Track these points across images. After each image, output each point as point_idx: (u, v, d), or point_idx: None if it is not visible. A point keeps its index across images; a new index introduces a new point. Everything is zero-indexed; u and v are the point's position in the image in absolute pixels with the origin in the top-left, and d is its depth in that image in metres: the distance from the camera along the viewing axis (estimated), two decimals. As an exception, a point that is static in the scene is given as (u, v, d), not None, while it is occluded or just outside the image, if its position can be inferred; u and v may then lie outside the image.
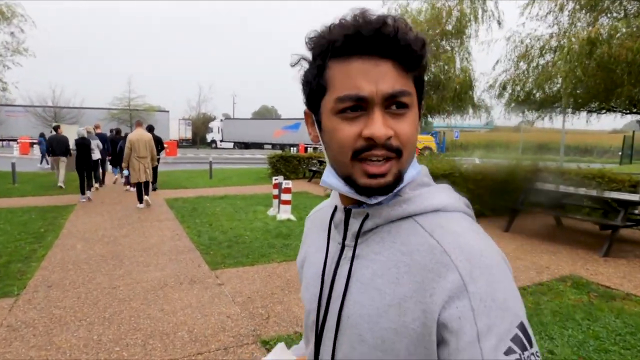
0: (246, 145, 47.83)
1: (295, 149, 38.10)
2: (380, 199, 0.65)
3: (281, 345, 0.90)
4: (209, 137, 49.26)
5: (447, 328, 0.55)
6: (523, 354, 0.54)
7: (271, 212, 8.33)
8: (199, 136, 45.96)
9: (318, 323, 0.72)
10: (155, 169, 10.42)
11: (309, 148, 37.84)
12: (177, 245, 5.96)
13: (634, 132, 28.26)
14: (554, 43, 11.35)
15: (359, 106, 0.60)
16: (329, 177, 0.68)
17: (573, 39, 9.62)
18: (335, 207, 0.75)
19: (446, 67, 14.92)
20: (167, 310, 3.82)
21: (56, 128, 12.01)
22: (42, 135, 20.63)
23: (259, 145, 47.45)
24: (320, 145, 0.70)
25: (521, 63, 13.03)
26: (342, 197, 0.72)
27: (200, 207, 8.86)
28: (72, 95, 61.75)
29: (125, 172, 9.50)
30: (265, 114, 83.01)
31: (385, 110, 0.60)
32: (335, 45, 0.61)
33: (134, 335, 3.36)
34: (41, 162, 19.64)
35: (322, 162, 14.18)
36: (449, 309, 0.55)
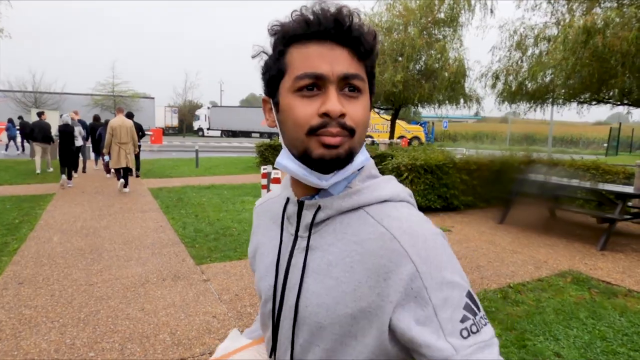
0: (234, 134, 47.21)
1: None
2: (331, 178, 0.67)
3: (235, 331, 0.95)
4: (195, 125, 48.47)
5: (405, 308, 0.61)
6: (475, 318, 0.61)
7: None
8: (185, 124, 45.17)
9: (274, 312, 0.75)
10: (137, 156, 10.46)
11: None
12: (161, 238, 5.67)
13: (620, 124, 28.52)
14: (548, 32, 11.19)
15: (315, 85, 0.64)
16: (284, 159, 0.70)
17: (568, 28, 9.44)
18: (288, 199, 0.76)
19: (439, 56, 14.70)
20: (148, 310, 3.55)
21: (40, 114, 11.92)
22: (10, 120, 19.89)
23: (246, 134, 46.87)
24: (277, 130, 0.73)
25: (514, 52, 12.88)
26: (296, 188, 0.75)
27: (185, 197, 8.54)
28: (53, 80, 60.17)
29: (107, 157, 9.51)
30: (253, 102, 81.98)
31: (339, 92, 0.64)
32: (295, 32, 0.65)
33: (110, 338, 3.10)
34: (6, 149, 19.01)
35: (311, 152, 13.91)
36: (406, 290, 0.61)
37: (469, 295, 0.63)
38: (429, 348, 0.59)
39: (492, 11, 14.41)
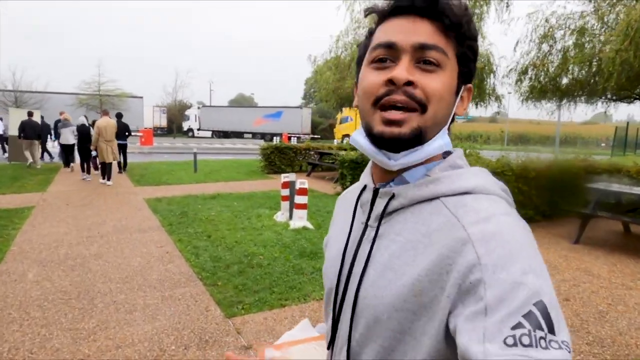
0: (225, 134, 45.78)
1: (278, 138, 36.45)
2: (401, 159, 0.63)
3: (306, 321, 0.91)
4: (185, 126, 46.91)
5: (462, 304, 0.53)
6: (535, 332, 0.47)
7: (279, 217, 6.81)
8: (175, 124, 43.52)
9: (336, 302, 0.71)
10: (124, 152, 12.39)
11: (292, 138, 36.25)
12: (170, 272, 4.39)
13: (628, 123, 27.83)
14: (590, 21, 10.14)
15: (389, 57, 0.62)
16: (357, 134, 0.67)
17: (622, 15, 8.37)
18: (365, 187, 0.73)
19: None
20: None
21: (30, 114, 13.28)
22: None
23: (238, 134, 45.48)
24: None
25: (544, 44, 11.82)
26: (375, 174, 0.72)
27: (190, 211, 7.24)
28: (35, 78, 57.78)
29: (94, 152, 10.40)
30: (242, 102, 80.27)
31: (415, 63, 0.61)
32: (382, 10, 0.65)
33: None
34: None
35: (322, 154, 12.68)
36: (464, 283, 0.53)
37: (541, 306, 0.48)
38: (464, 352, 0.49)
39: (507, 5, 13.34)
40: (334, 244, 0.78)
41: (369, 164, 0.76)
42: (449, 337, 0.54)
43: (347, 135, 38.60)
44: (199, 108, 47.71)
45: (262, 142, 37.87)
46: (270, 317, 3.44)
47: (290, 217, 6.65)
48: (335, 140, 38.00)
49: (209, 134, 46.01)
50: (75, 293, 3.79)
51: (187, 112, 46.60)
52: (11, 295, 3.72)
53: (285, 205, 6.85)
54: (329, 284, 0.76)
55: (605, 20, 10.22)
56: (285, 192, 6.83)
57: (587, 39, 10.60)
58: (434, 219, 0.60)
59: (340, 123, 39.76)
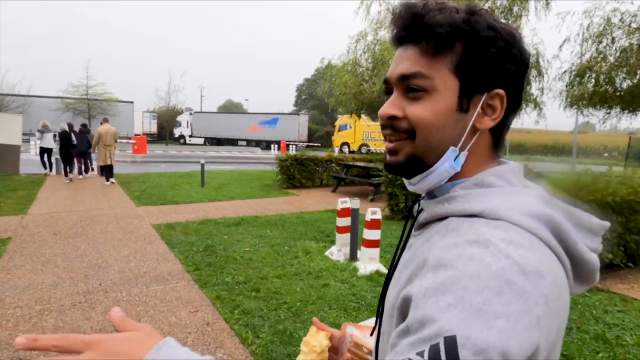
0: (218, 141, 44.00)
1: (276, 146, 34.80)
2: (418, 183, 0.65)
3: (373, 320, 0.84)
4: (176, 132, 44.98)
5: (401, 318, 0.53)
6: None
7: (335, 254, 5.24)
8: (166, 130, 41.57)
9: (381, 298, 0.72)
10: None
11: (291, 145, 34.67)
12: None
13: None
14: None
15: (389, 89, 0.65)
16: None
17: None
18: (420, 195, 0.73)
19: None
20: None
21: None
22: None
23: (232, 142, 43.73)
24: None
25: (602, 44, 10.50)
26: None
27: (216, 244, 5.62)
28: (18, 80, 55.19)
29: (94, 155, 11.56)
30: (231, 108, 78.21)
31: (405, 93, 0.62)
32: (392, 38, 0.66)
33: None
34: None
35: (349, 167, 11.13)
36: (405, 301, 0.52)
37: (450, 341, 0.42)
38: None
39: (547, 3, 12.05)
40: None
41: None
42: None
43: (346, 144, 37.16)
44: (191, 114, 45.83)
45: (258, 150, 36.44)
46: None
47: (352, 255, 5.08)
48: (335, 149, 36.54)
49: (201, 140, 44.20)
50: None
51: (178, 118, 44.71)
52: None
53: (342, 238, 5.28)
54: None
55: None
56: (344, 221, 5.26)
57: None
58: (434, 237, 0.60)
59: (339, 131, 38.28)
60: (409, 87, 0.61)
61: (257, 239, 5.94)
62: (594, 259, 0.58)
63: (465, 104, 0.61)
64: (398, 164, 0.63)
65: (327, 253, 5.35)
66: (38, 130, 12.61)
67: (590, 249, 0.58)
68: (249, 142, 43.27)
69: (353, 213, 5.10)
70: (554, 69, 11.71)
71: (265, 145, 40.38)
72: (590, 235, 0.59)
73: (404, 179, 0.68)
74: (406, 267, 0.61)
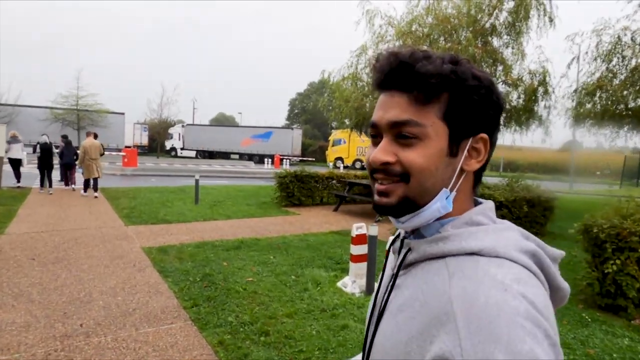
0: (210, 155, 43.37)
1: (270, 160, 34.26)
2: (406, 222, 0.66)
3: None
4: (168, 145, 44.29)
5: None
6: None
7: (350, 286, 4.68)
8: (157, 143, 40.82)
9: (365, 345, 0.72)
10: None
11: (285, 160, 34.14)
12: None
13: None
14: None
15: (377, 134, 0.66)
16: None
17: None
18: (399, 234, 0.75)
19: (499, 69, 11.95)
20: None
21: None
22: None
23: (224, 155, 43.12)
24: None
25: (612, 63, 10.22)
26: None
27: (215, 272, 5.02)
28: (5, 90, 54.00)
29: (79, 169, 11.56)
30: (223, 121, 77.53)
31: (395, 138, 0.64)
32: (373, 84, 0.69)
33: None
34: None
35: (351, 185, 10.62)
36: None
37: None
38: None
39: (551, 20, 11.82)
40: (376, 289, 0.78)
41: None
42: None
43: (340, 159, 36.77)
44: (183, 126, 45.21)
45: (251, 164, 35.81)
46: None
47: (369, 288, 4.53)
48: (329, 164, 36.09)
49: (192, 153, 43.53)
50: None
51: (170, 130, 44.06)
52: None
53: (357, 268, 4.73)
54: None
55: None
56: (360, 249, 4.72)
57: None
58: (434, 279, 0.59)
59: (333, 146, 37.95)
60: (401, 133, 0.62)
61: (260, 266, 5.36)
62: (567, 286, 0.66)
63: (454, 149, 0.64)
64: (390, 205, 0.64)
65: (339, 284, 4.79)
66: (7, 141, 12.15)
67: None
68: (242, 156, 42.71)
69: (370, 240, 4.57)
70: (562, 88, 11.41)
71: (258, 159, 39.84)
72: (555, 264, 0.65)
73: (391, 217, 0.68)
74: (403, 312, 0.61)
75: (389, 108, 0.63)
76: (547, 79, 10.58)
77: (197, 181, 10.65)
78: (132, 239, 6.60)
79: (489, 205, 0.67)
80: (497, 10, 12.39)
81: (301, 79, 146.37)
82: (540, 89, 10.87)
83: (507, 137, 12.99)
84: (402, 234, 0.72)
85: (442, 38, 12.77)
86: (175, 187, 13.88)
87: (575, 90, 10.37)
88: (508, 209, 7.86)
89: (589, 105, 10.36)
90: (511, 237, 0.61)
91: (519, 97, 11.95)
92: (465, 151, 0.64)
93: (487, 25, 12.58)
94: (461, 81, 0.61)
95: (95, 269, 5.03)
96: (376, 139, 0.66)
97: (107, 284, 4.54)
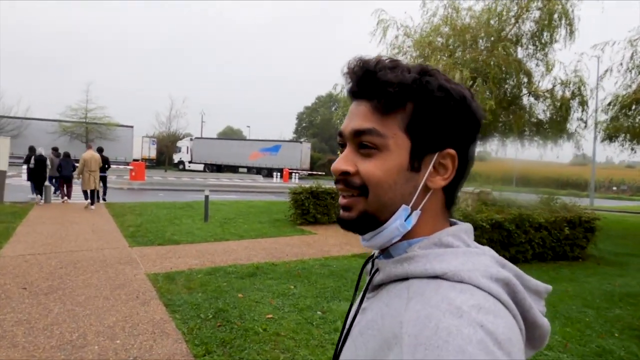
0: (218, 168, 42.97)
1: (278, 174, 33.72)
2: (371, 240, 0.62)
3: None
4: (176, 158, 44.02)
5: None
6: None
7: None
8: (165, 156, 40.49)
9: None
10: (104, 182, 12.96)
11: (294, 174, 33.61)
12: None
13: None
14: None
15: (343, 142, 0.63)
16: None
17: None
18: (373, 255, 0.71)
19: (524, 80, 11.35)
20: None
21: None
22: None
23: (232, 168, 42.73)
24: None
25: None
26: None
27: (229, 308, 4.37)
28: (15, 103, 54.21)
29: (77, 181, 11.85)
30: (231, 134, 77.38)
31: (357, 148, 0.61)
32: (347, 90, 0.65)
33: None
34: None
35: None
36: None
37: None
38: None
39: (572, 32, 11.23)
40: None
41: None
42: None
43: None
44: (191, 140, 44.95)
45: (259, 177, 35.28)
46: None
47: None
48: (339, 178, 35.43)
49: (200, 167, 43.16)
50: None
51: (178, 144, 43.83)
52: None
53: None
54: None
55: None
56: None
57: None
58: (394, 302, 0.56)
59: (343, 159, 37.39)
60: (362, 143, 0.60)
61: (280, 299, 4.70)
62: (546, 324, 0.59)
63: (416, 164, 0.60)
64: (351, 219, 0.62)
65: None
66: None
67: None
68: (250, 169, 42.27)
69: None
70: (597, 100, 10.72)
71: (267, 172, 39.32)
72: (537, 298, 0.60)
73: (358, 235, 0.65)
74: (363, 335, 0.58)
75: (354, 116, 0.61)
76: (582, 89, 9.93)
77: (206, 197, 10.06)
78: (136, 263, 5.99)
79: (464, 227, 0.62)
80: (520, 20, 11.87)
81: (309, 93, 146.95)
82: (576, 100, 10.21)
83: (528, 152, 12.36)
84: (375, 254, 0.68)
85: (460, 48, 12.24)
86: (184, 202, 13.31)
87: (609, 103, 9.68)
88: (548, 231, 7.17)
89: (625, 119, 9.66)
90: (481, 262, 0.56)
91: (546, 110, 11.32)
92: (430, 167, 0.60)
93: (510, 35, 12.04)
94: (426, 92, 0.58)
95: (93, 301, 4.40)
96: (343, 148, 0.64)
97: (105, 321, 3.91)
